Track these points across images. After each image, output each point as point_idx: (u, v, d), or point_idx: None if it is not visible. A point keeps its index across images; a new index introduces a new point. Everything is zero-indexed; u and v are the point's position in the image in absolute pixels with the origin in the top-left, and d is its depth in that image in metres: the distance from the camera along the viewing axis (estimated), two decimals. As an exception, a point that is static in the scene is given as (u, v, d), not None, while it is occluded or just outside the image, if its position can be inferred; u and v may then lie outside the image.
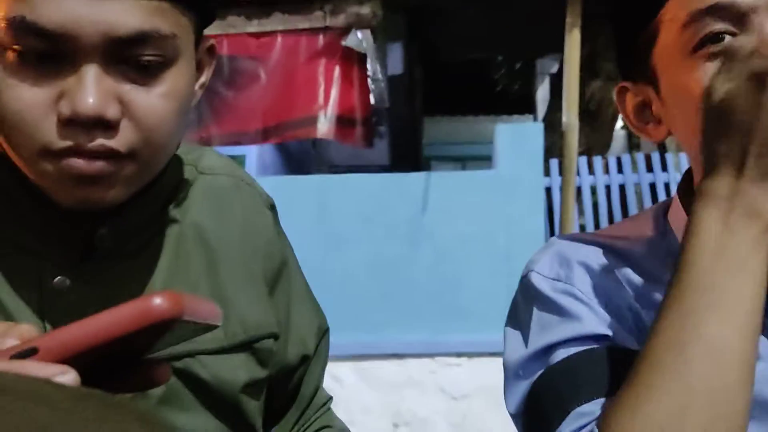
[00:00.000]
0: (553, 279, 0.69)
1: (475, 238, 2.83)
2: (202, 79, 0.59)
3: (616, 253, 0.70)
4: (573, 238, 0.75)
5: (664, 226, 0.70)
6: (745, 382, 0.52)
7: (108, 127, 0.48)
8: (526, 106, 6.94)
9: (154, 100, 0.49)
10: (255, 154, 4.07)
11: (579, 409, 0.59)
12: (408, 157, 5.29)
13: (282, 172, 4.26)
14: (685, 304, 0.53)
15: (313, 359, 0.74)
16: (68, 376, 0.32)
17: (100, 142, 0.48)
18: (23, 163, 0.51)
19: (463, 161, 7.68)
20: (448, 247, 2.82)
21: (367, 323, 2.80)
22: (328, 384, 0.84)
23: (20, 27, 0.46)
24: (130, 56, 0.48)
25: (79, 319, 0.36)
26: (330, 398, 0.80)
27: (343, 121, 2.80)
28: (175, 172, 0.62)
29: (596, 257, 0.70)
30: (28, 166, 0.50)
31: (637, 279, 0.67)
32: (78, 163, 0.48)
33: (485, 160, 6.19)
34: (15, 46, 0.47)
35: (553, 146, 3.67)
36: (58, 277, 0.53)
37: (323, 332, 0.76)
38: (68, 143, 0.47)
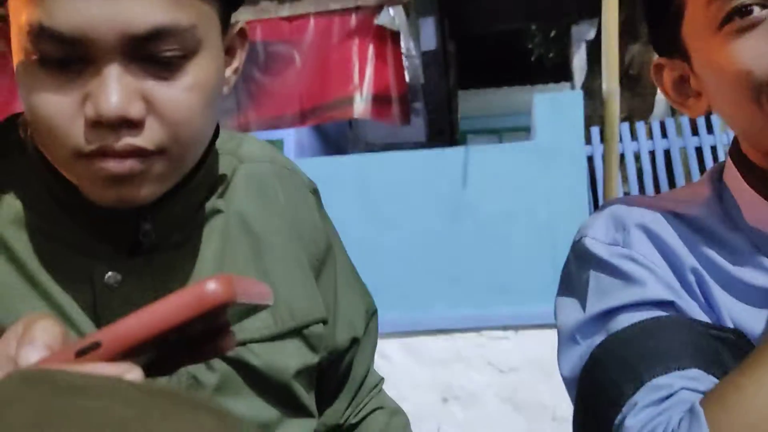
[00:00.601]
0: (610, 243, 0.67)
1: (517, 210, 2.81)
2: (235, 64, 0.58)
3: (673, 215, 0.66)
4: (627, 202, 0.72)
5: (720, 189, 0.67)
6: None
7: (133, 125, 0.48)
8: (563, 75, 6.80)
9: (178, 94, 0.49)
10: (293, 138, 4.09)
11: (656, 381, 0.57)
12: (444, 132, 5.26)
13: (320, 153, 4.28)
14: None
15: (363, 341, 0.74)
16: (135, 373, 0.33)
17: (127, 141, 0.48)
18: (60, 166, 0.51)
19: (499, 133, 7.59)
20: (491, 221, 2.81)
21: (413, 300, 2.82)
22: (376, 362, 0.85)
23: (39, 34, 0.46)
24: (150, 53, 0.47)
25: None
26: (382, 379, 0.80)
27: (379, 100, 2.79)
28: (215, 161, 0.62)
29: (653, 219, 0.66)
30: (63, 169, 0.51)
31: (698, 240, 0.64)
32: (108, 164, 0.48)
33: (522, 131, 6.10)
34: (37, 53, 0.47)
35: (594, 114, 3.60)
36: (109, 273, 0.53)
37: (371, 314, 0.76)
38: (96, 145, 0.47)
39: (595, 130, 3.43)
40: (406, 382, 2.81)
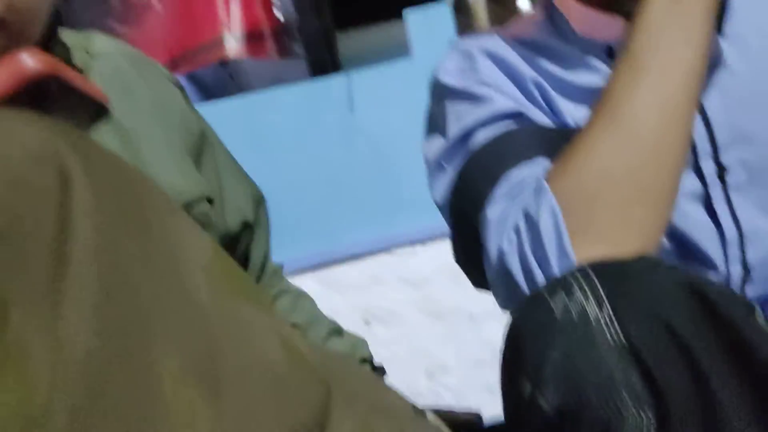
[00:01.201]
0: (459, 72, 0.74)
1: (406, 127, 2.85)
2: None
3: (512, 39, 0.74)
4: (472, 37, 0.80)
5: (551, 10, 0.75)
6: (684, 135, 0.56)
7: None
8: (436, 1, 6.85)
9: None
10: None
11: (508, 174, 0.62)
12: (326, 73, 5.18)
13: (200, 103, 4.15)
14: (636, 63, 0.56)
15: (256, 227, 0.75)
16: None
17: None
18: None
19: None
20: (382, 142, 2.84)
21: (320, 233, 2.83)
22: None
23: None
24: None
25: None
26: (282, 266, 0.81)
27: (252, 37, 2.72)
28: (67, 54, 0.60)
29: (495, 45, 0.74)
30: None
31: (535, 56, 0.72)
32: None
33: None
34: None
35: (468, 28, 3.66)
36: None
37: (259, 200, 0.77)
38: None
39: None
40: (326, 313, 2.85)
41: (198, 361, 0.26)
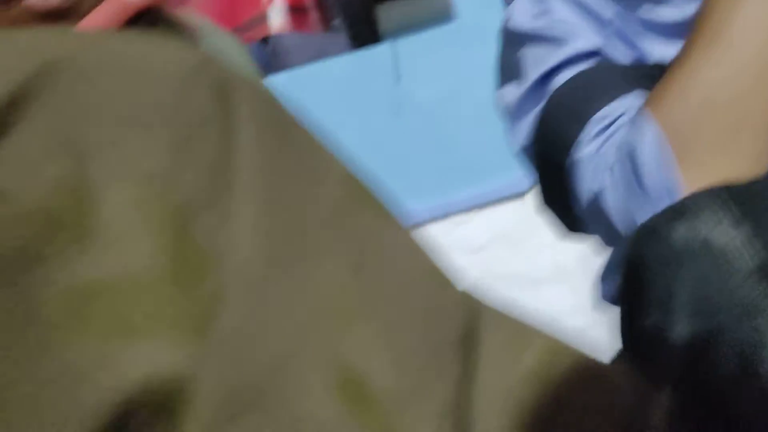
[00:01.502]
0: (532, 16, 0.71)
1: (456, 92, 2.80)
2: None
3: None
4: None
5: None
6: None
7: None
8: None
9: None
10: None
11: (598, 114, 0.59)
12: (368, 43, 5.15)
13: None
14: None
15: None
16: None
17: None
18: None
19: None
20: (432, 109, 2.80)
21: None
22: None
23: None
24: None
25: None
26: None
27: (295, 11, 2.70)
28: None
29: None
30: None
31: None
32: None
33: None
34: None
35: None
36: None
37: None
38: None
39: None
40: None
41: (350, 273, 0.26)
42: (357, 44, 4.79)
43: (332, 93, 2.85)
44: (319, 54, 3.60)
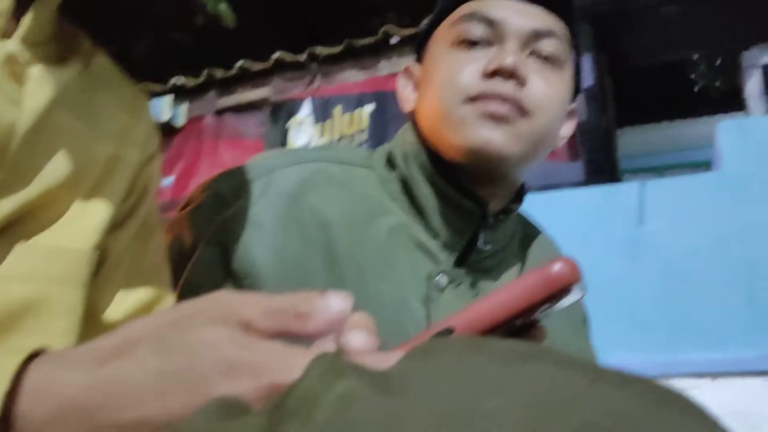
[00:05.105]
0: None
1: (705, 247, 2.60)
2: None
3: None
4: None
5: None
6: None
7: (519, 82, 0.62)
8: (732, 105, 6.34)
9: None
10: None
11: None
12: (604, 171, 5.05)
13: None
14: None
15: None
16: None
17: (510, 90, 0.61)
18: (447, 113, 0.63)
19: (660, 171, 7.16)
20: (675, 260, 2.62)
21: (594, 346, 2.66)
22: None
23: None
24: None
25: (450, 313, 0.37)
26: None
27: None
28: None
29: None
30: (449, 115, 0.63)
31: None
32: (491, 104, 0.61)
33: (686, 168, 5.70)
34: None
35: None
36: (440, 277, 0.62)
37: None
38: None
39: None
40: None
41: None
42: (592, 170, 4.72)
43: (568, 224, 2.80)
44: (553, 179, 3.60)
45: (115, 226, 0.50)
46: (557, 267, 0.35)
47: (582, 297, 0.40)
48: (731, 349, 2.52)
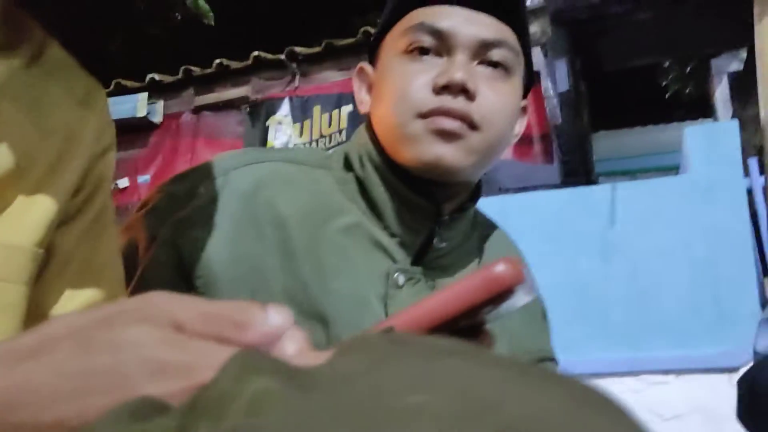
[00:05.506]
0: None
1: (672, 248, 2.67)
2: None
3: None
4: None
5: None
6: None
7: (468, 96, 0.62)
8: (701, 110, 6.48)
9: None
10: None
11: None
12: (578, 174, 5.13)
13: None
14: None
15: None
16: None
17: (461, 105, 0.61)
18: (398, 128, 0.62)
19: (633, 175, 7.27)
20: (643, 260, 2.69)
21: (563, 343, 2.72)
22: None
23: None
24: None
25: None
26: None
27: (521, 140, 2.79)
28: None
29: None
30: (401, 131, 0.63)
31: None
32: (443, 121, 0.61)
33: (658, 171, 5.81)
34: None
35: (747, 145, 3.39)
36: (397, 274, 0.62)
37: None
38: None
39: (753, 162, 3.23)
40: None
41: None
42: (567, 173, 4.79)
43: (543, 224, 2.86)
44: (530, 181, 3.66)
45: (63, 221, 0.48)
46: (499, 268, 0.34)
47: (531, 299, 0.39)
48: (695, 346, 2.59)
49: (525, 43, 0.66)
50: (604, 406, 0.20)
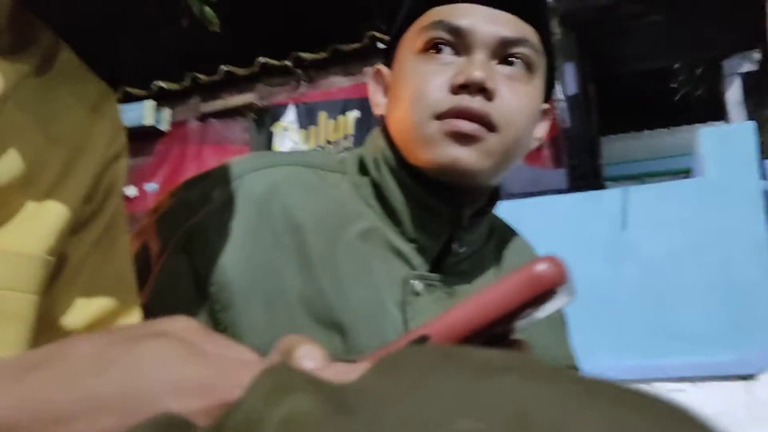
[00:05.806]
0: None
1: (686, 252, 2.62)
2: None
3: None
4: None
5: None
6: None
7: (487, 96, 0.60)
8: (712, 113, 6.42)
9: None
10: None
11: None
12: (587, 178, 5.08)
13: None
14: None
15: None
16: None
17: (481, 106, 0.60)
18: (415, 129, 0.61)
19: (642, 179, 7.21)
20: (656, 264, 2.64)
21: (576, 349, 2.67)
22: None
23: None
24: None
25: (427, 318, 0.35)
26: None
27: (530, 144, 2.75)
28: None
29: None
30: (418, 132, 0.61)
31: None
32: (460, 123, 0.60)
33: (668, 176, 5.75)
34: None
35: (763, 147, 3.33)
36: (415, 281, 0.60)
37: None
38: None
39: None
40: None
41: None
42: (575, 177, 4.75)
43: (552, 229, 2.81)
44: (536, 185, 3.61)
45: (75, 228, 0.47)
46: (541, 266, 0.32)
47: (569, 302, 0.36)
48: (709, 353, 2.54)
49: (548, 43, 0.64)
50: (685, 418, 0.18)
